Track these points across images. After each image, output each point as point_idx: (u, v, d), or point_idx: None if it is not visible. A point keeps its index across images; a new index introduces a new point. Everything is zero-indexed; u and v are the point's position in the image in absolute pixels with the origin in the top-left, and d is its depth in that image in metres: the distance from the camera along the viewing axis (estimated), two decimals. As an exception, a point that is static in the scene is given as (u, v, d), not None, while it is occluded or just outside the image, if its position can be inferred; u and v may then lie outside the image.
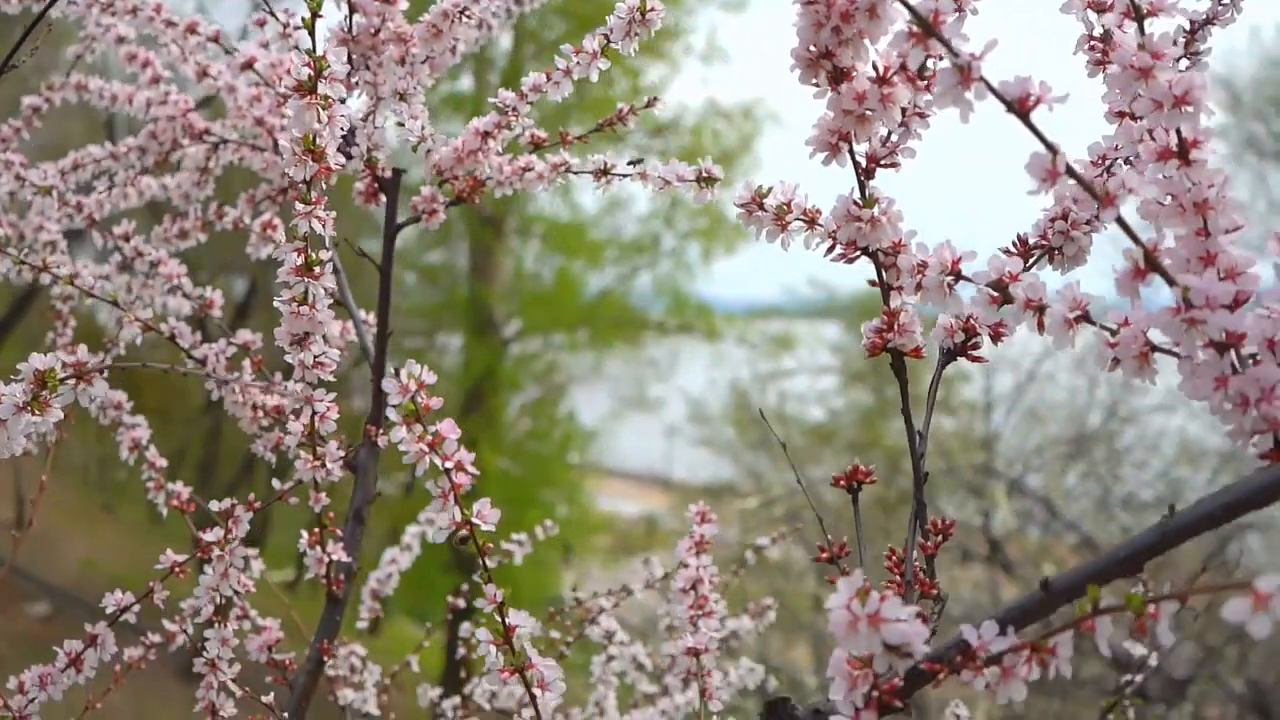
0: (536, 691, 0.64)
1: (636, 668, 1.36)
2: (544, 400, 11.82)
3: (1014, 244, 0.69)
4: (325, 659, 0.99)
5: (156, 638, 1.12)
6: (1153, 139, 0.55)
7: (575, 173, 0.96)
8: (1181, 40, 0.71)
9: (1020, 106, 0.51)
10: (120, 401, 1.12)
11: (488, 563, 0.64)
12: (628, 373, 12.38)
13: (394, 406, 0.61)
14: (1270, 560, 6.67)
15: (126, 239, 1.12)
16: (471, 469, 0.63)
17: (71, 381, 0.66)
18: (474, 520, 0.63)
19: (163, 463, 1.10)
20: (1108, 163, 0.68)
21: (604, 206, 12.38)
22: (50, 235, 1.25)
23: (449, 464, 0.62)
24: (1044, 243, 0.69)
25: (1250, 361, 0.52)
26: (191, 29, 1.09)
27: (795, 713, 0.58)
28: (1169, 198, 0.54)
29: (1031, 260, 0.69)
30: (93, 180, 1.18)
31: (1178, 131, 0.53)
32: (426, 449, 0.62)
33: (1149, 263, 0.51)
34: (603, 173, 0.94)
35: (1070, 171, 0.50)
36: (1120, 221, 0.51)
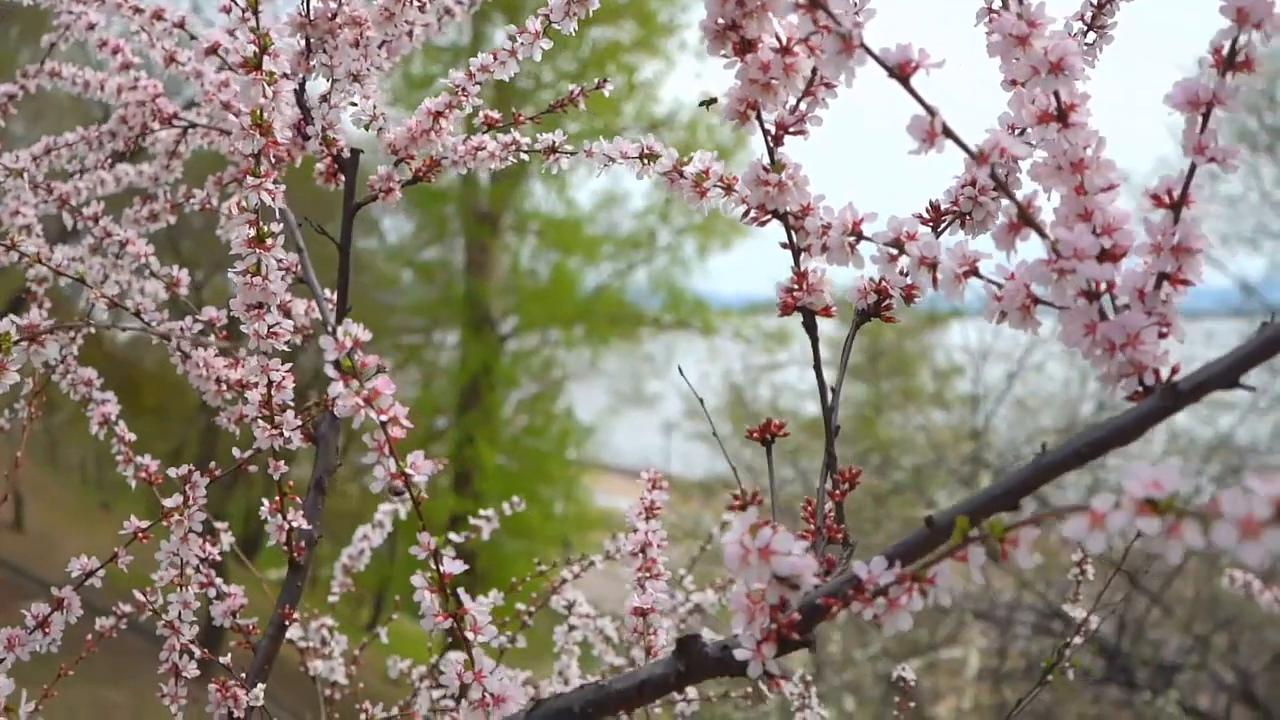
0: (470, 635, 0.68)
1: (604, 640, 1.40)
2: (541, 396, 11.85)
3: (926, 209, 0.72)
4: (286, 623, 1.02)
5: (127, 608, 1.16)
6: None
7: (526, 151, 0.99)
8: (1089, 14, 0.75)
9: (901, 72, 0.54)
10: (90, 378, 1.16)
11: (420, 511, 0.67)
12: (624, 368, 12.43)
13: (330, 363, 0.64)
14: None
15: (95, 220, 1.15)
16: (405, 423, 0.66)
17: (24, 344, 0.69)
18: (408, 471, 0.66)
19: (131, 437, 1.13)
20: (1016, 132, 0.72)
21: (599, 203, 12.42)
22: (25, 220, 1.29)
23: (384, 418, 0.65)
24: (954, 208, 0.72)
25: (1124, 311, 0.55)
26: (158, 15, 1.13)
27: (704, 648, 0.61)
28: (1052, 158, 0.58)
29: (944, 225, 0.72)
30: (67, 165, 1.22)
31: (1056, 95, 0.57)
32: (363, 403, 0.65)
33: (1023, 217, 0.55)
34: (550, 150, 0.98)
35: (947, 132, 0.53)
36: (995, 179, 0.54)
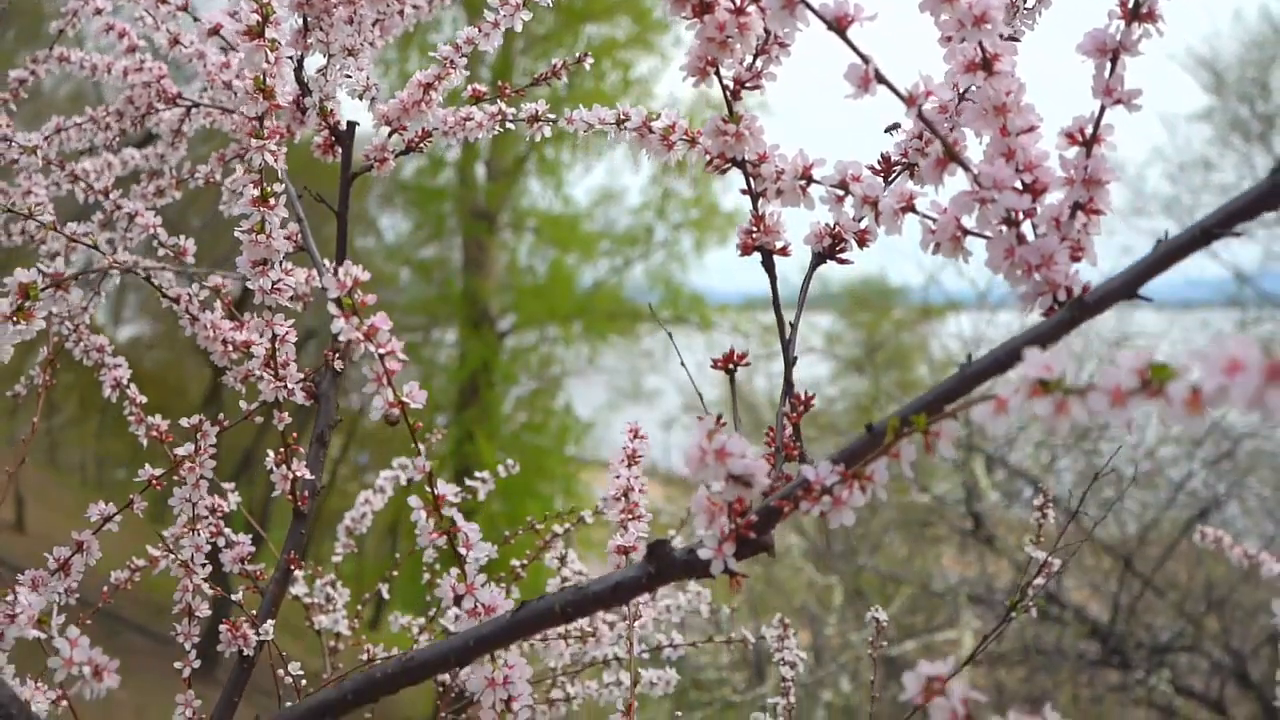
0: (462, 550, 0.74)
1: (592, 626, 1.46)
2: (540, 393, 11.91)
3: (878, 160, 0.79)
4: (292, 568, 1.08)
5: (141, 561, 1.22)
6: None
7: (511, 121, 1.06)
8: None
9: (839, 25, 0.60)
10: (102, 345, 1.22)
11: (415, 436, 0.74)
12: (622, 364, 12.48)
13: (333, 300, 0.71)
14: (1246, 527, 6.78)
15: (106, 194, 1.22)
16: (402, 356, 0.73)
17: (51, 290, 0.75)
18: (405, 399, 0.73)
19: (143, 399, 1.19)
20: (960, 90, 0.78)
21: (596, 199, 12.47)
22: (38, 198, 1.35)
23: (382, 350, 0.72)
24: (904, 159, 0.78)
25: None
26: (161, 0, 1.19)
27: (672, 552, 0.67)
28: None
29: (894, 175, 0.79)
30: (76, 145, 1.28)
31: (980, 46, 0.63)
32: (362, 337, 0.71)
33: (949, 153, 0.61)
34: (535, 119, 1.04)
35: (879, 78, 0.60)
36: (923, 119, 0.61)
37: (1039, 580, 1.19)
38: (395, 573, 1.55)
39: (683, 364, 1.10)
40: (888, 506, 7.10)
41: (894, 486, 7.25)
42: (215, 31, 1.14)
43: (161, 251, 1.15)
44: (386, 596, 1.48)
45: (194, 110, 1.28)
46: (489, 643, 0.68)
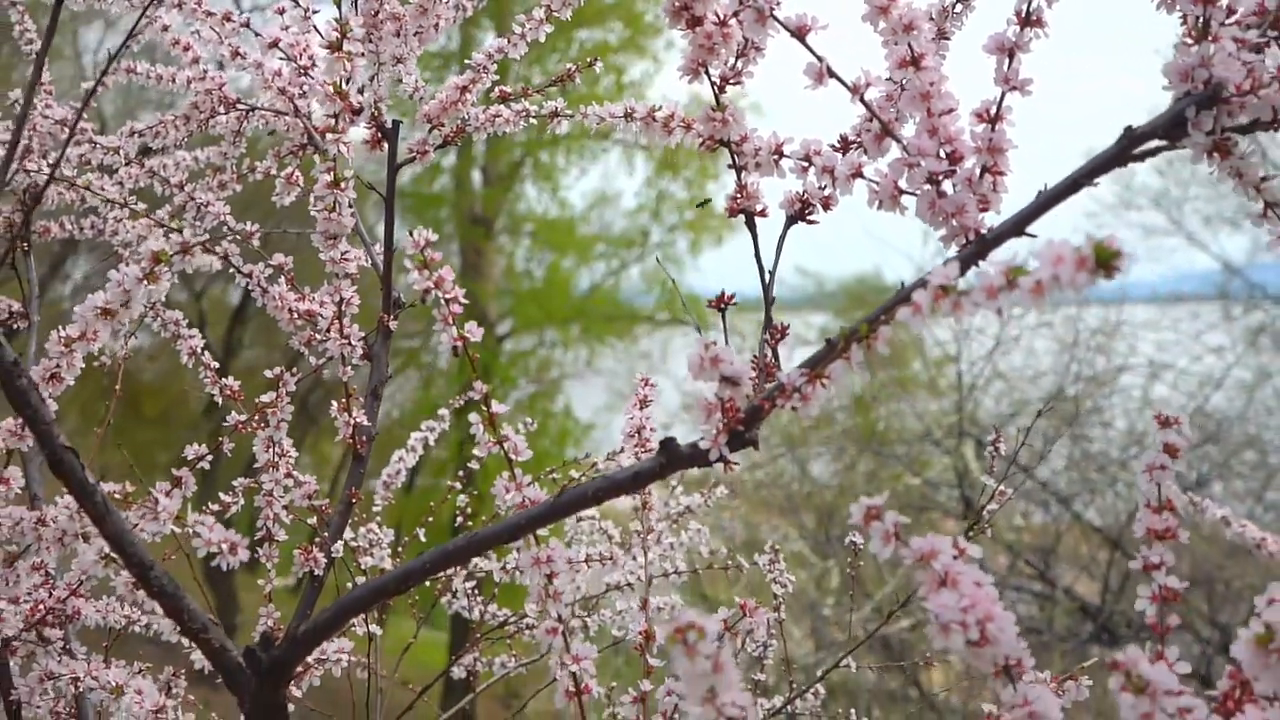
0: (512, 456, 0.93)
1: (606, 539, 1.65)
2: (539, 395, 12.08)
3: (839, 139, 0.98)
4: (353, 501, 1.27)
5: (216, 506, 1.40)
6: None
7: (533, 117, 1.25)
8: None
9: (800, 33, 0.79)
10: (177, 319, 1.41)
11: (474, 364, 0.92)
12: (620, 366, 12.64)
13: (409, 256, 0.89)
14: (1232, 509, 6.94)
15: (180, 186, 1.40)
16: (462, 300, 0.91)
17: (180, 255, 0.94)
18: (466, 334, 0.92)
19: (215, 365, 1.38)
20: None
21: (592, 202, 12.65)
22: (114, 194, 1.54)
23: (448, 296, 0.90)
24: (858, 138, 0.97)
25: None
26: (226, 17, 1.38)
27: (679, 447, 0.86)
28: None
29: (850, 150, 0.97)
30: (151, 143, 1.47)
31: (910, 47, 0.82)
32: (433, 285, 0.90)
33: (885, 130, 0.80)
34: (554, 115, 1.23)
35: (830, 72, 0.79)
36: (865, 104, 0.80)
37: (991, 505, 1.38)
38: (430, 519, 1.74)
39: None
40: (884, 492, 7.28)
41: (887, 474, 7.44)
42: (274, 45, 1.33)
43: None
44: (424, 540, 1.66)
45: (251, 114, 1.47)
46: (537, 521, 0.87)
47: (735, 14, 0.84)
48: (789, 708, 1.60)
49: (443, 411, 1.76)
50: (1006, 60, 0.80)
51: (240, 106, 1.48)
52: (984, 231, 0.79)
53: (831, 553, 6.68)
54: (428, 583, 1.77)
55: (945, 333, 8.37)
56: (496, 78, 1.24)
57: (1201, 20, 0.72)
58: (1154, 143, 0.74)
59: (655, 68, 11.51)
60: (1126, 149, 0.74)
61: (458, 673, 1.74)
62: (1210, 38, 0.72)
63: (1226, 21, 0.74)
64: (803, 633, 7.29)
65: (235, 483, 1.30)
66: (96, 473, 0.86)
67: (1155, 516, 0.80)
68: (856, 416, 8.79)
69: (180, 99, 1.55)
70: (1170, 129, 0.72)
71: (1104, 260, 0.57)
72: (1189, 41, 0.73)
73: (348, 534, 1.63)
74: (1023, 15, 0.80)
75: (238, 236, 1.37)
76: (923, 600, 0.68)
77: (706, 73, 0.88)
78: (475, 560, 1.79)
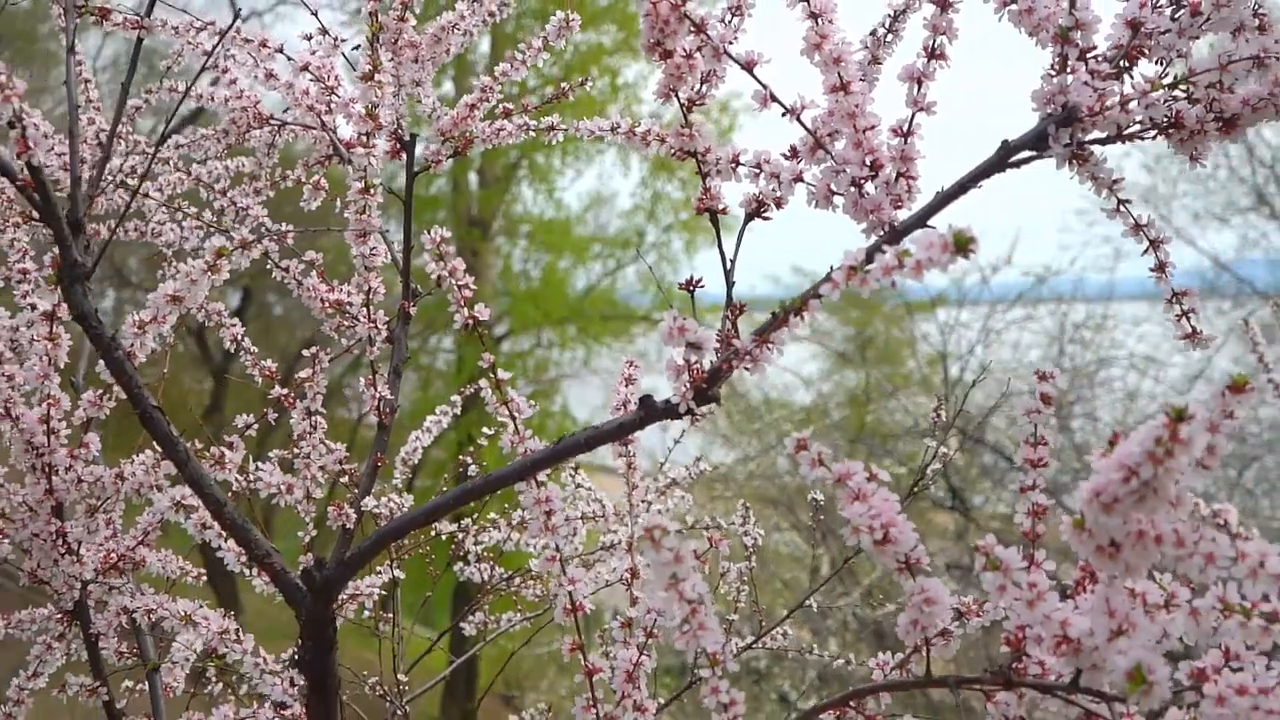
0: (516, 413, 1.12)
1: (599, 505, 1.84)
2: (536, 396, 12.25)
3: (788, 149, 1.17)
4: (378, 465, 1.46)
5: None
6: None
7: (534, 130, 1.44)
8: (889, 19, 1.19)
9: (748, 65, 0.98)
10: (220, 310, 1.60)
11: (484, 341, 1.11)
12: (617, 366, 12.79)
13: (426, 250, 1.09)
14: (1212, 495, 7.15)
15: (223, 192, 1.59)
16: (472, 286, 1.11)
17: (239, 250, 1.13)
18: (476, 314, 1.11)
19: (254, 350, 1.57)
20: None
21: (588, 203, 12.82)
22: (158, 200, 1.73)
23: (460, 281, 1.10)
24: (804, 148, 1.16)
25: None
26: (263, 44, 1.57)
27: (655, 402, 1.05)
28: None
29: (796, 159, 1.16)
30: (192, 155, 1.66)
31: (839, 75, 1.01)
32: (447, 275, 1.09)
33: (816, 143, 0.99)
34: (551, 128, 1.42)
35: (772, 97, 0.98)
36: (800, 122, 0.99)
37: (935, 465, 1.57)
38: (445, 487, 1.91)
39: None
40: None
41: (881, 464, 7.62)
42: (305, 68, 1.52)
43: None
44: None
45: (283, 128, 1.66)
46: (541, 464, 1.06)
47: (699, 49, 1.04)
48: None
49: (455, 398, 1.95)
50: (915, 86, 1.00)
51: (273, 122, 1.67)
52: (896, 224, 0.98)
53: (822, 541, 6.88)
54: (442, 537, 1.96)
55: (933, 329, 8.57)
56: (500, 96, 1.43)
57: (1060, 56, 0.92)
58: (1026, 153, 0.93)
59: (649, 69, 11.69)
60: (1004, 157, 0.93)
61: (468, 629, 1.93)
62: (1068, 70, 0.91)
63: (1089, 54, 0.94)
64: (798, 627, 7.45)
65: (271, 453, 1.49)
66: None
67: (1031, 450, 0.99)
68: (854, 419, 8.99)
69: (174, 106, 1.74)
70: (1036, 142, 0.92)
71: (961, 245, 0.76)
72: (1052, 73, 0.92)
73: (369, 502, 1.82)
74: (929, 49, 1.00)
75: (275, 237, 1.57)
76: (843, 510, 0.87)
77: (677, 95, 1.07)
78: (484, 533, 1.99)
